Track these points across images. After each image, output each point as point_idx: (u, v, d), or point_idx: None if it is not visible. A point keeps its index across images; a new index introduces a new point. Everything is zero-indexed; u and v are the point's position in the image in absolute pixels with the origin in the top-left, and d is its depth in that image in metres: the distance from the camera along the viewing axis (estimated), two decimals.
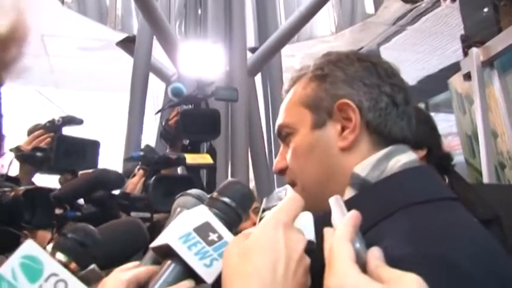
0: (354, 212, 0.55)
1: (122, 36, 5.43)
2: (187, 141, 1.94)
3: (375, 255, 0.52)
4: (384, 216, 0.65)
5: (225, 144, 4.04)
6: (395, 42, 6.02)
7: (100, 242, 0.77)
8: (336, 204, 0.58)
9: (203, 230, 0.63)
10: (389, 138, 0.75)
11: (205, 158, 1.81)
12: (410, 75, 6.41)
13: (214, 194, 0.68)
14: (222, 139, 3.82)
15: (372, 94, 0.75)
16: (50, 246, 0.74)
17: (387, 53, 5.95)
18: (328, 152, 0.76)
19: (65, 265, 0.68)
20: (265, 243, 0.56)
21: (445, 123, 5.51)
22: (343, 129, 0.75)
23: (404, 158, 0.73)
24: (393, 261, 0.53)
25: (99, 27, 5.44)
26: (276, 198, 0.63)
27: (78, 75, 6.58)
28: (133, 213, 1.44)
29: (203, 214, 0.65)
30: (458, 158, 3.80)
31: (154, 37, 4.51)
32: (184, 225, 0.63)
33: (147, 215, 1.46)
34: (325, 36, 5.92)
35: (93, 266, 0.72)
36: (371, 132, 0.75)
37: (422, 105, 6.30)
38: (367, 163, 0.73)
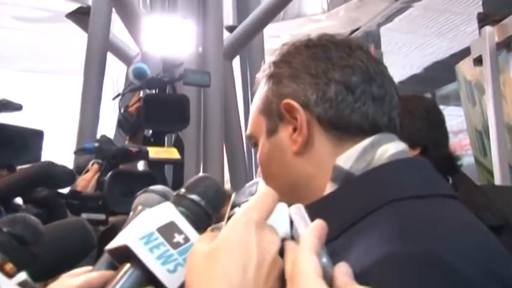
0: (319, 222, 0.56)
1: (74, 6, 5.36)
2: (150, 131, 1.95)
3: (342, 270, 0.54)
4: (369, 211, 0.68)
5: (196, 137, 4.04)
6: (399, 22, 6.03)
7: (44, 237, 0.75)
8: (297, 213, 0.59)
9: (168, 231, 0.63)
10: (351, 130, 0.76)
11: (170, 152, 1.82)
12: (415, 62, 6.43)
13: (182, 190, 0.69)
14: (193, 130, 3.83)
15: (318, 85, 0.76)
16: None
17: (389, 35, 5.97)
18: (284, 159, 0.79)
19: None
20: (235, 244, 0.57)
21: (455, 118, 5.55)
22: (294, 131, 0.78)
23: (393, 147, 0.75)
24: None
25: None
26: (247, 193, 0.64)
27: (17, 52, 6.46)
28: (84, 215, 1.44)
29: (168, 213, 0.65)
30: (469, 158, 3.83)
31: (113, 9, 4.49)
32: (146, 225, 0.63)
33: (102, 216, 1.47)
34: (316, 14, 5.93)
35: (25, 278, 0.70)
36: (326, 128, 0.76)
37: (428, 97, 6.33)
38: (351, 154, 0.74)
